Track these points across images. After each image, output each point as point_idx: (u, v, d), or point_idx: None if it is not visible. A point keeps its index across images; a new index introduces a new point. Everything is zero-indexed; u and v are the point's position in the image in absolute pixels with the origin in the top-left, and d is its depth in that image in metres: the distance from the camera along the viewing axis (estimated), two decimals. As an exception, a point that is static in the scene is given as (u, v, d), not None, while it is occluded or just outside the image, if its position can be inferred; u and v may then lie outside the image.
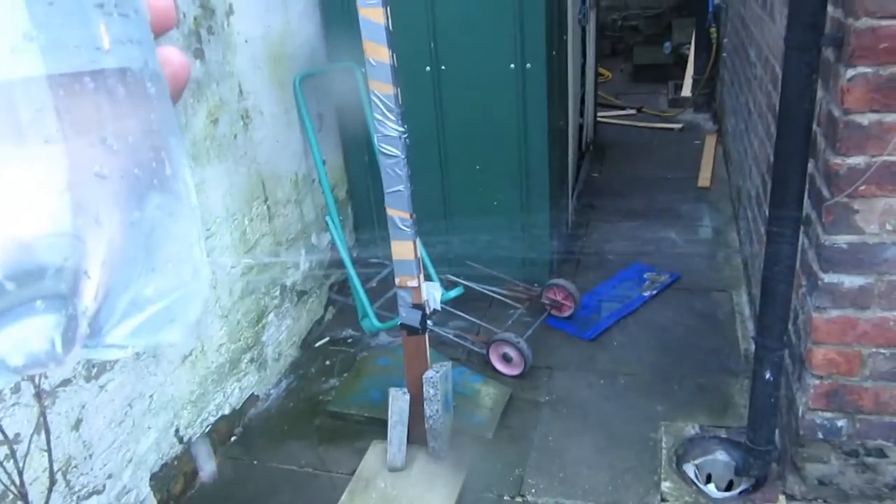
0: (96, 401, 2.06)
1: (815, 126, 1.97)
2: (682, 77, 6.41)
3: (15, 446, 1.64)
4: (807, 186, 2.01)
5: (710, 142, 5.18)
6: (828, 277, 1.94)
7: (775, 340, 2.12)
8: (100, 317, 0.38)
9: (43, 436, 1.79)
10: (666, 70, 6.88)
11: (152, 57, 0.37)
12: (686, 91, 6.24)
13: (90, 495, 2.05)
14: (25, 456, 1.68)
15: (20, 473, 1.63)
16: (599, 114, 5.79)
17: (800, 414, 2.13)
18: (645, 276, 3.61)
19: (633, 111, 6.16)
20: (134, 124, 0.35)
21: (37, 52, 0.30)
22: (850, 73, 1.73)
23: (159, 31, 0.38)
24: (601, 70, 6.78)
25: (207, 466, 2.56)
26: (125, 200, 0.35)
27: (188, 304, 0.45)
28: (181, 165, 0.39)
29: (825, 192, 1.88)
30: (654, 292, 3.48)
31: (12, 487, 1.64)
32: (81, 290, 0.35)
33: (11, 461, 1.65)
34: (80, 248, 0.34)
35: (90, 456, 2.05)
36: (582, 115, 4.71)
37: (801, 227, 2.07)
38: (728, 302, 3.37)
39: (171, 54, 0.39)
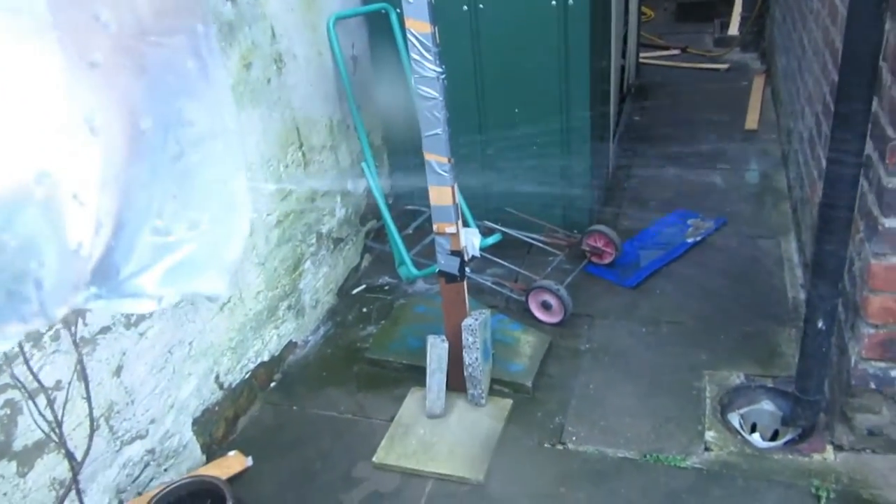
0: (136, 348, 2.07)
1: (881, 61, 1.84)
2: (729, 15, 6.13)
3: (56, 393, 1.65)
4: (869, 126, 1.90)
5: (759, 82, 4.97)
6: (889, 222, 1.83)
7: (830, 288, 2.03)
8: (114, 256, 0.33)
9: (83, 383, 1.81)
10: (712, 8, 6.58)
11: None
12: (733, 29, 5.97)
13: (133, 440, 2.08)
14: (65, 403, 1.70)
15: (58, 422, 1.65)
16: (642, 54, 5.59)
17: (852, 363, 2.06)
18: (689, 222, 3.51)
19: (676, 51, 5.94)
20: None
21: None
22: (925, 0, 1.59)
23: None
24: (644, 9, 6.53)
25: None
26: (130, 101, 0.31)
27: (226, 245, 0.40)
28: (216, 66, 0.34)
29: (890, 132, 1.77)
30: (699, 239, 3.38)
31: (52, 434, 1.66)
32: (67, 222, 0.30)
33: (58, 409, 1.67)
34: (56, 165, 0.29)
35: (132, 402, 2.07)
36: (624, 55, 4.54)
37: (862, 170, 1.96)
38: (776, 249, 3.26)
39: None
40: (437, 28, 2.11)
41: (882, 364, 2.02)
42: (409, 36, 2.11)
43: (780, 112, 4.26)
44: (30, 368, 1.62)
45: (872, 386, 2.05)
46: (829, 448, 2.21)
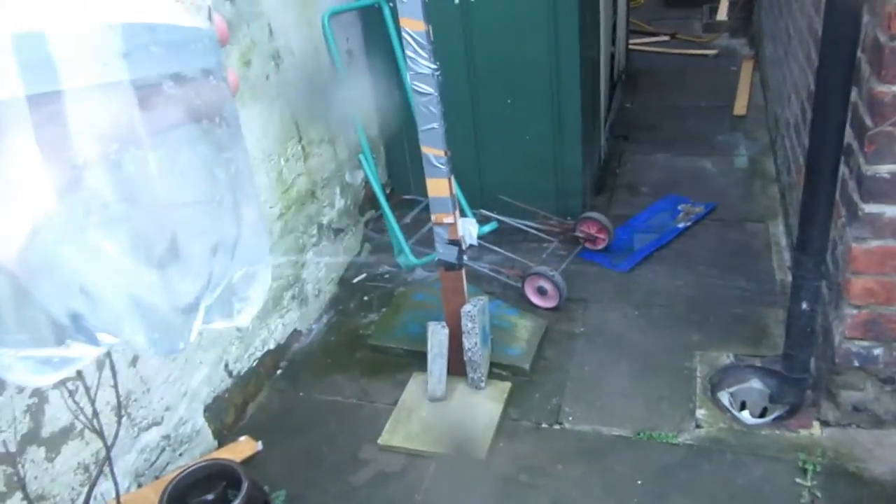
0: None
1: (859, 52, 1.92)
2: (718, 0, 6.19)
3: (77, 384, 1.73)
4: (849, 115, 1.98)
5: (747, 68, 5.04)
6: (868, 207, 1.93)
7: (813, 271, 2.13)
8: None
9: (102, 372, 1.89)
10: (699, -7, 6.63)
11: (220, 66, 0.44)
12: (721, 15, 6.03)
13: (150, 426, 2.17)
14: (96, 390, 1.77)
15: (94, 409, 1.73)
16: (631, 41, 5.64)
17: (836, 343, 2.16)
18: (679, 207, 3.60)
19: (666, 38, 6.00)
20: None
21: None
22: (898, -4, 1.68)
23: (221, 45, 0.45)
24: (633, -5, 6.58)
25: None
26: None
27: (259, 281, 0.48)
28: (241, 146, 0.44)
29: (868, 121, 1.86)
30: (689, 223, 3.47)
31: (83, 419, 1.74)
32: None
33: (83, 398, 1.75)
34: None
35: (148, 390, 2.15)
36: (614, 43, 4.60)
37: (842, 157, 2.05)
38: (764, 232, 3.35)
39: (229, 73, 0.47)
40: (431, 25, 2.18)
41: (865, 343, 2.12)
42: (404, 34, 2.18)
43: (768, 98, 4.34)
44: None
45: (856, 364, 2.16)
46: (816, 424, 2.32)
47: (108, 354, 1.82)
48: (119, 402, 1.87)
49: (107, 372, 1.82)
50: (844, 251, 2.06)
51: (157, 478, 2.18)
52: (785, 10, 3.64)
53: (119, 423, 1.85)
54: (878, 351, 2.10)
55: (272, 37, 2.77)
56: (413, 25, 2.18)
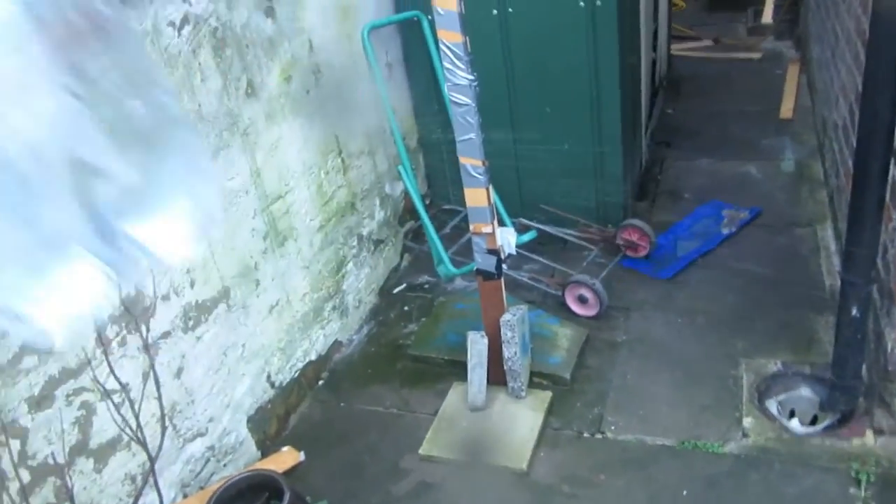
0: (194, 351, 2.20)
1: (906, 50, 1.87)
2: (763, 3, 6.08)
3: (123, 396, 1.78)
4: (897, 114, 1.93)
5: (793, 71, 4.94)
6: (919, 209, 1.86)
7: (862, 275, 2.07)
8: None
9: (148, 384, 1.93)
10: (743, -4, 6.53)
11: None
12: (766, 17, 5.92)
13: (195, 437, 2.22)
14: (140, 402, 1.82)
15: (138, 421, 1.78)
16: (673, 46, 5.58)
17: (889, 349, 2.09)
18: (723, 213, 3.53)
19: (709, 42, 5.91)
20: None
21: None
22: (945, -9, 1.62)
23: None
24: (674, 0, 6.51)
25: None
26: None
27: None
28: None
29: (916, 120, 1.80)
30: (734, 229, 3.40)
31: (128, 431, 1.79)
32: None
33: (129, 410, 1.80)
34: None
35: (192, 402, 2.20)
36: (655, 49, 4.56)
37: (893, 159, 2.00)
38: (812, 237, 3.27)
39: None
40: (468, 37, 2.19)
41: (917, 349, 2.05)
42: (441, 46, 2.20)
43: (816, 101, 4.24)
44: (112, 370, 1.74)
45: (909, 370, 2.08)
46: (869, 432, 2.24)
47: (152, 366, 1.87)
48: (163, 414, 1.91)
49: (151, 384, 1.87)
50: (895, 255, 1.99)
51: (201, 488, 2.22)
52: (832, 12, 3.56)
53: (163, 434, 1.89)
54: (932, 357, 2.03)
55: (312, 52, 2.81)
56: (451, 37, 2.20)
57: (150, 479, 1.86)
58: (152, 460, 1.83)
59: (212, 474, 2.30)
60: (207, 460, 2.28)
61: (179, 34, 2.08)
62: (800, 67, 4.97)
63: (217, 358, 2.32)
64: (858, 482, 2.09)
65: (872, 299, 2.22)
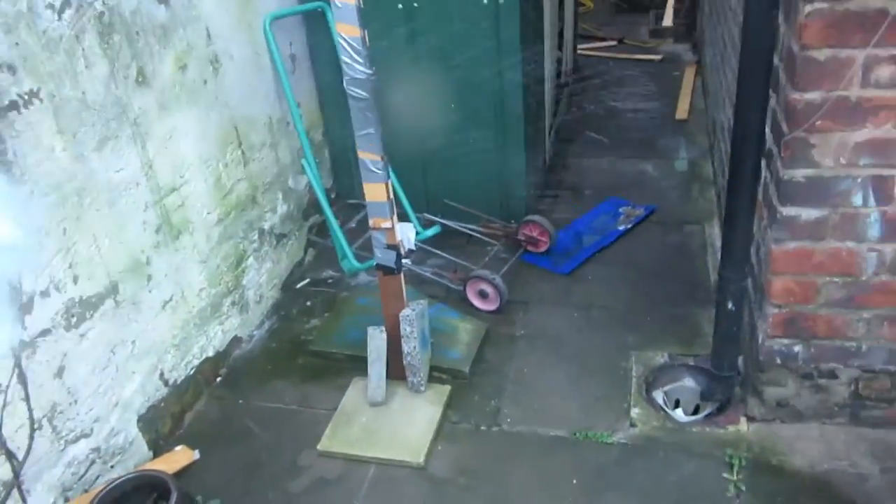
0: (78, 349, 2.11)
1: (777, 61, 1.99)
2: (664, 6, 6.32)
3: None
4: (770, 121, 2.05)
5: (690, 73, 5.16)
6: (786, 210, 1.99)
7: (737, 272, 2.19)
8: None
9: (22, 385, 1.85)
10: (648, -1, 6.77)
11: None
12: (667, 21, 6.16)
13: (78, 439, 2.13)
14: (3, 406, 1.73)
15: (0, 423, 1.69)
16: (580, 46, 5.73)
17: (760, 341, 2.22)
18: (620, 210, 3.66)
19: (613, 42, 6.10)
20: None
21: None
22: (808, 8, 1.74)
23: None
24: (583, 0, 6.69)
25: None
26: None
27: None
28: None
29: (784, 127, 1.92)
30: (630, 226, 3.53)
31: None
32: None
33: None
34: None
35: (75, 402, 2.11)
36: (560, 48, 4.67)
37: (764, 162, 2.12)
38: (700, 234, 3.43)
39: None
40: (367, 30, 2.18)
41: (786, 341, 2.19)
42: (339, 40, 2.19)
43: (709, 102, 4.44)
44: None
45: (778, 361, 2.22)
46: (743, 420, 2.38)
47: (17, 365, 1.77)
48: (31, 416, 1.82)
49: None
50: (766, 252, 2.12)
51: (85, 491, 2.14)
52: (722, 18, 3.74)
53: (31, 437, 1.81)
54: (797, 348, 2.17)
55: (210, 41, 2.74)
56: (348, 31, 2.19)
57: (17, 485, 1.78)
58: (14, 467, 1.74)
59: (97, 476, 2.21)
60: (92, 462, 2.20)
61: (60, 17, 1.99)
62: (696, 70, 5.19)
63: (104, 356, 2.23)
64: (731, 466, 2.22)
65: (747, 294, 2.35)
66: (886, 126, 1.84)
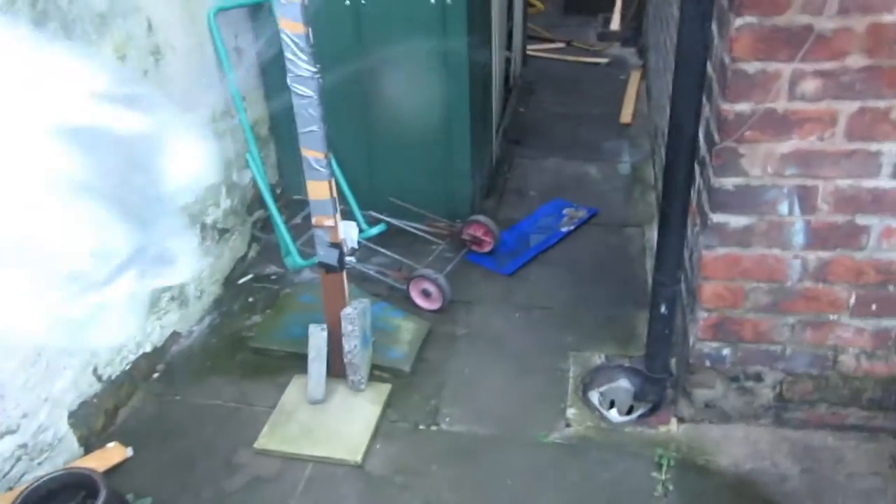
0: (5, 343, 2.05)
1: (711, 72, 2.05)
2: (612, 10, 6.42)
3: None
4: (703, 129, 2.11)
5: (635, 78, 5.26)
6: (716, 217, 2.06)
7: (670, 276, 2.25)
8: None
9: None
10: (597, 2, 6.85)
11: None
12: (615, 24, 6.25)
13: (3, 435, 2.07)
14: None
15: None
16: (529, 47, 5.77)
17: (691, 344, 2.29)
18: (564, 211, 3.72)
19: (562, 44, 6.17)
20: None
21: None
22: (739, 21, 1.80)
23: None
24: (533, 1, 6.74)
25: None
26: None
27: None
28: None
29: (716, 137, 1.98)
30: (572, 228, 3.59)
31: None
32: None
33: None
34: None
35: (2, 396, 2.06)
36: (509, 48, 4.70)
37: (698, 169, 2.18)
38: (640, 237, 3.51)
39: None
40: (311, 27, 2.17)
41: (715, 344, 2.26)
42: (283, 36, 2.17)
43: (651, 107, 4.54)
44: None
45: (707, 363, 2.30)
46: (674, 420, 2.45)
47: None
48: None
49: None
50: (697, 258, 2.18)
51: (10, 489, 2.08)
52: (664, 24, 3.82)
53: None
54: (725, 351, 2.25)
55: (151, 31, 2.69)
56: (292, 27, 2.18)
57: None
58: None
59: (23, 474, 2.16)
60: (18, 459, 2.14)
61: (-10, 5, 1.93)
62: (641, 74, 5.29)
63: (33, 351, 2.18)
64: (661, 466, 2.29)
65: (680, 298, 2.42)
66: (811, 138, 1.91)
